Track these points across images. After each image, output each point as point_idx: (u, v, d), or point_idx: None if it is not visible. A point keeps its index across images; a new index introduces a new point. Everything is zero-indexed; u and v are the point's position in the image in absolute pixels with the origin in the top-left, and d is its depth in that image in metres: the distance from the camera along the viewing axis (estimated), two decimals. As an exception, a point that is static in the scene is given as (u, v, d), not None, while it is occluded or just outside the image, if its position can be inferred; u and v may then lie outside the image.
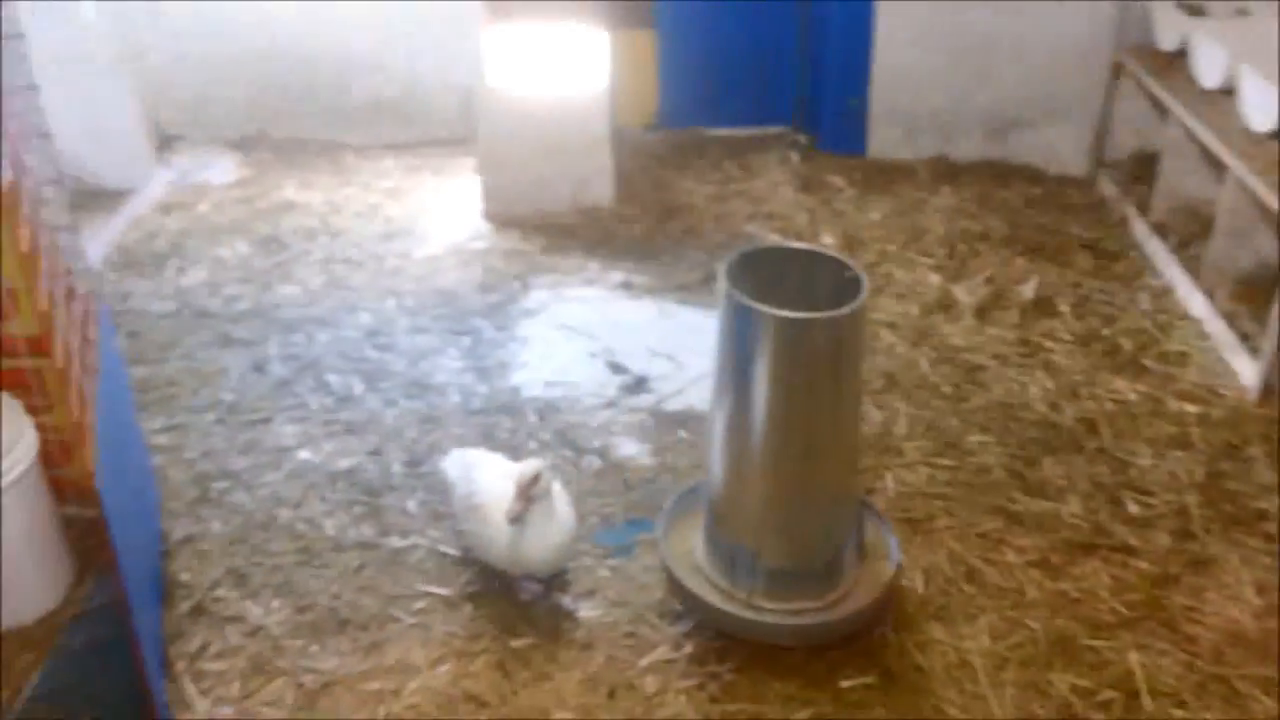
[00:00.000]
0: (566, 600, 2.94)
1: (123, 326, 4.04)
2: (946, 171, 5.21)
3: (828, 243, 4.53)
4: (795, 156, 5.31)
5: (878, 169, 5.22)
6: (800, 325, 2.47)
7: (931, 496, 3.27)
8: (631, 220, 4.78)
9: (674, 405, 3.66)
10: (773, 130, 5.53)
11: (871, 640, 2.82)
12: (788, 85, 5.45)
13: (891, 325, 4.06)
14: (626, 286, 4.33)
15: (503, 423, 3.58)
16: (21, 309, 2.75)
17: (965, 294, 4.22)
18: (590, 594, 2.95)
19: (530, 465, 2.73)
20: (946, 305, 4.18)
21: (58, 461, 2.92)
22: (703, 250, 4.55)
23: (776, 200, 4.93)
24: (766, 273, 2.67)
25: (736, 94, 5.48)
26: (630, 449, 3.47)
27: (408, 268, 4.48)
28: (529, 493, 2.70)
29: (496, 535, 2.81)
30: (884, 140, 5.30)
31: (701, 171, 5.22)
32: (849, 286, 2.57)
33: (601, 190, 4.84)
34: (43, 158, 3.05)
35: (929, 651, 2.79)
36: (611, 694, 2.69)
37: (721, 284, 2.54)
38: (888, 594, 2.84)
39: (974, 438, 3.50)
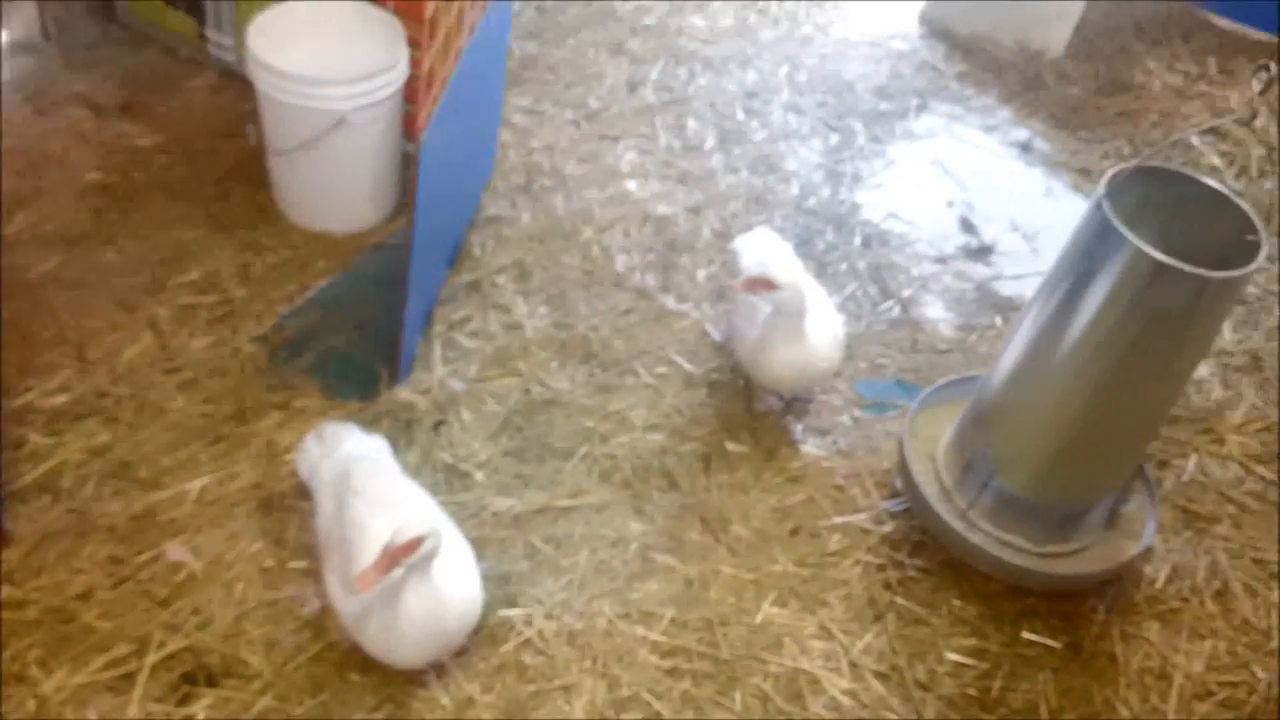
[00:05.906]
0: (798, 429, 2.87)
1: None
2: None
3: (1268, 188, 3.89)
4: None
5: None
6: (1168, 275, 2.11)
7: (1228, 499, 2.89)
8: (1069, 81, 4.28)
9: (1006, 289, 3.37)
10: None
11: (1078, 608, 2.59)
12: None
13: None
14: (1025, 149, 3.94)
15: (826, 233, 3.43)
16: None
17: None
18: (823, 433, 2.87)
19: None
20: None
21: (410, 98, 3.08)
22: (1128, 143, 4.03)
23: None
24: (1157, 196, 2.32)
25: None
26: (936, 312, 3.25)
27: (817, 42, 4.28)
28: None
29: (747, 330, 2.74)
30: None
31: (1176, 57, 4.55)
32: (1243, 247, 2.19)
33: (1056, 37, 4.34)
34: None
35: (1132, 647, 2.54)
36: (794, 532, 2.64)
37: (1099, 191, 2.22)
38: (1118, 570, 2.58)
39: (1319, 465, 3.04)
